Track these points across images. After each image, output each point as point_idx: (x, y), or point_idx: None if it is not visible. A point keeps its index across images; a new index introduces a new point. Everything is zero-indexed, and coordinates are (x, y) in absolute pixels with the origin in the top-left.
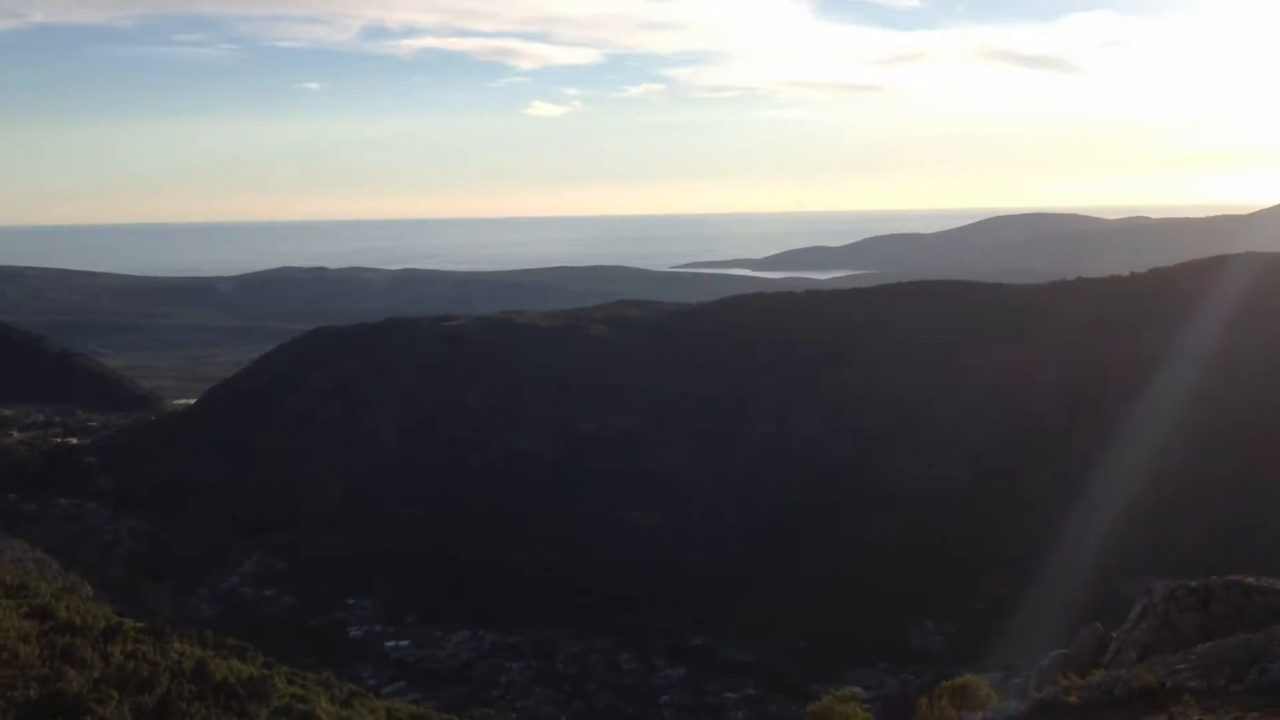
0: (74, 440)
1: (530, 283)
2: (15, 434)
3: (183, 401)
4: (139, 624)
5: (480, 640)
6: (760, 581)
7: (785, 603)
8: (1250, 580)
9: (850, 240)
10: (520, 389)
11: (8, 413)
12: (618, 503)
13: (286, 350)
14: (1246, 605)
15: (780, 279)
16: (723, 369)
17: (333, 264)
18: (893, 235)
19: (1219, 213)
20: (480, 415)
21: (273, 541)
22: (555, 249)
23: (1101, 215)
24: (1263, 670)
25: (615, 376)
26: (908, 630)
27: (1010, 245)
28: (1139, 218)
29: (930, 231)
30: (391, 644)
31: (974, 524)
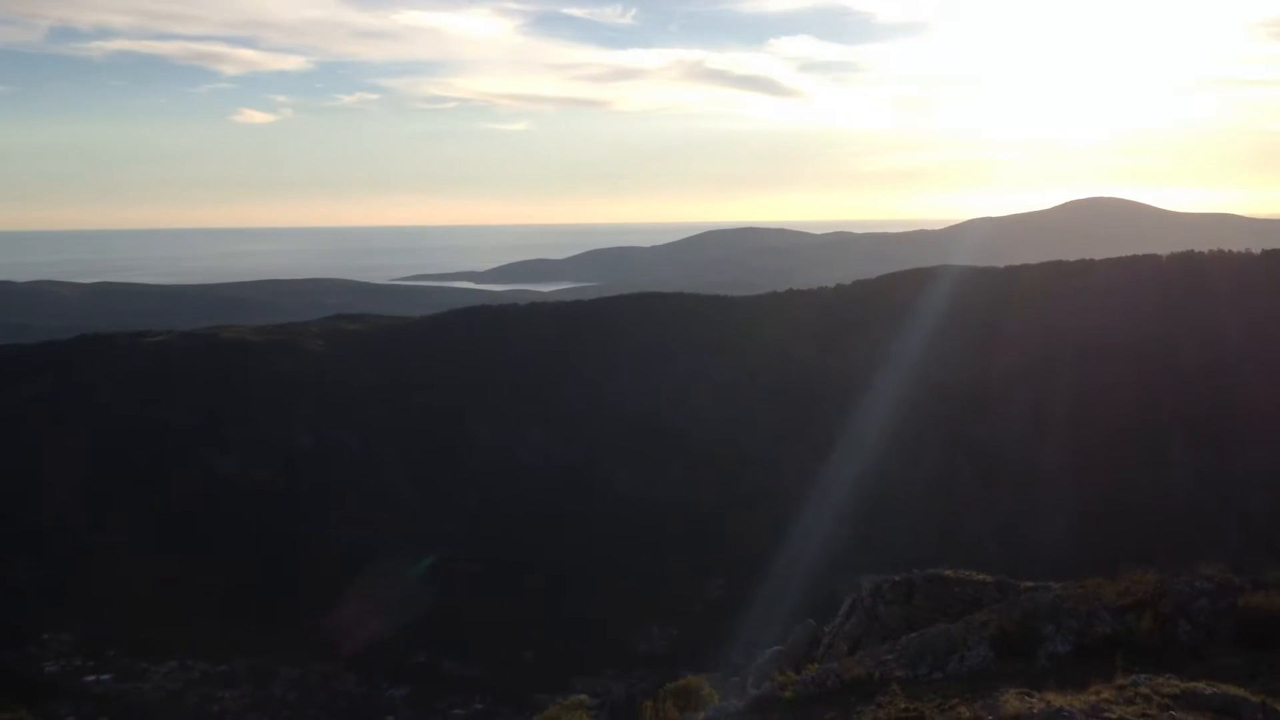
0: None
1: (242, 296)
2: None
3: None
4: None
5: (189, 669)
6: (485, 594)
7: (511, 614)
8: (949, 573)
9: (572, 253)
10: (229, 407)
11: None
12: (337, 519)
13: None
14: (946, 597)
15: (503, 291)
16: (446, 382)
17: (19, 277)
18: (614, 248)
19: (916, 227)
20: (184, 435)
21: None
22: (269, 261)
23: (809, 229)
24: (962, 658)
25: (333, 392)
26: (633, 636)
27: (725, 258)
28: (843, 232)
29: (650, 245)
30: (91, 678)
31: (696, 529)
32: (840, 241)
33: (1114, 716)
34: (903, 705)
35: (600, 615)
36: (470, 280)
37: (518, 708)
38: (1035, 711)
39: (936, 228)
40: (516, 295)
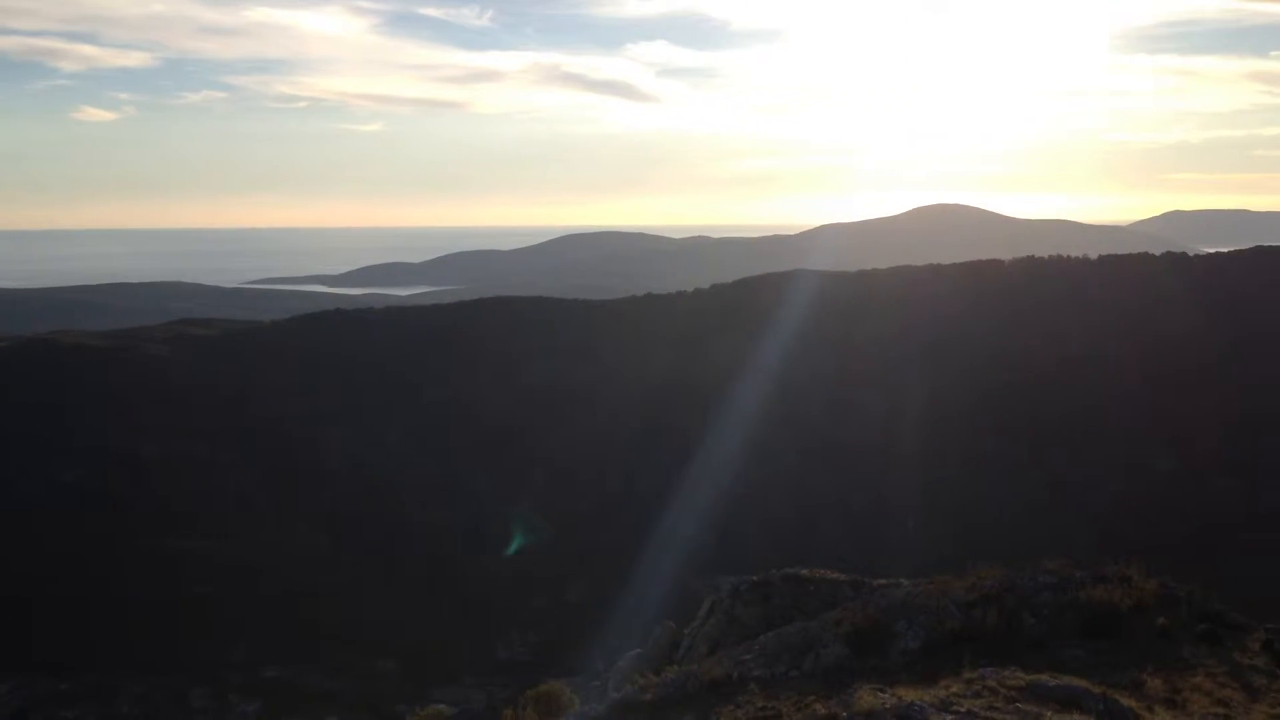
0: None
1: (84, 300)
2: None
3: None
4: None
5: (29, 688)
6: (340, 605)
7: (367, 625)
8: (806, 573)
9: (430, 256)
10: (68, 415)
11: None
12: (182, 530)
13: None
14: (803, 596)
15: (359, 295)
16: (297, 388)
17: None
18: (473, 252)
19: (772, 232)
20: (22, 443)
21: None
22: (112, 264)
23: (668, 234)
24: (818, 655)
25: (179, 399)
26: (493, 643)
27: (584, 262)
28: (701, 236)
29: (509, 248)
30: None
31: (556, 534)
32: (698, 246)
33: (962, 709)
34: (760, 704)
35: (460, 623)
36: (324, 284)
37: (376, 719)
38: (887, 707)
39: (792, 233)
40: (373, 299)
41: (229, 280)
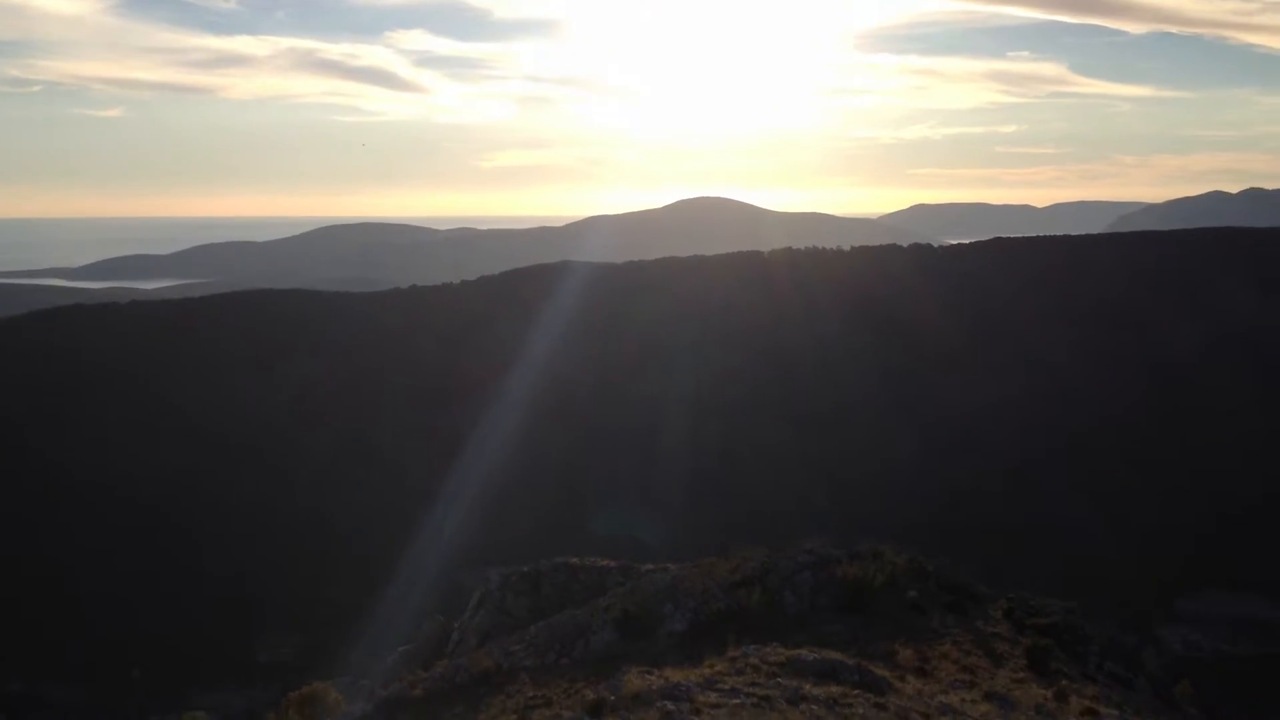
0: None
1: None
2: None
3: None
4: None
5: None
6: (89, 612)
7: (118, 632)
8: (575, 560)
9: (179, 248)
10: None
11: None
12: None
13: None
14: (572, 584)
15: (100, 289)
16: (32, 389)
17: None
18: (225, 243)
19: (539, 224)
20: None
21: None
22: None
23: (432, 226)
24: (587, 642)
25: None
26: (255, 646)
27: (345, 255)
28: (467, 228)
29: (264, 240)
30: None
31: (322, 532)
32: (464, 238)
33: (726, 687)
34: (531, 693)
35: (220, 626)
36: (62, 277)
37: None
38: (654, 688)
39: (558, 225)
40: (116, 293)
41: None
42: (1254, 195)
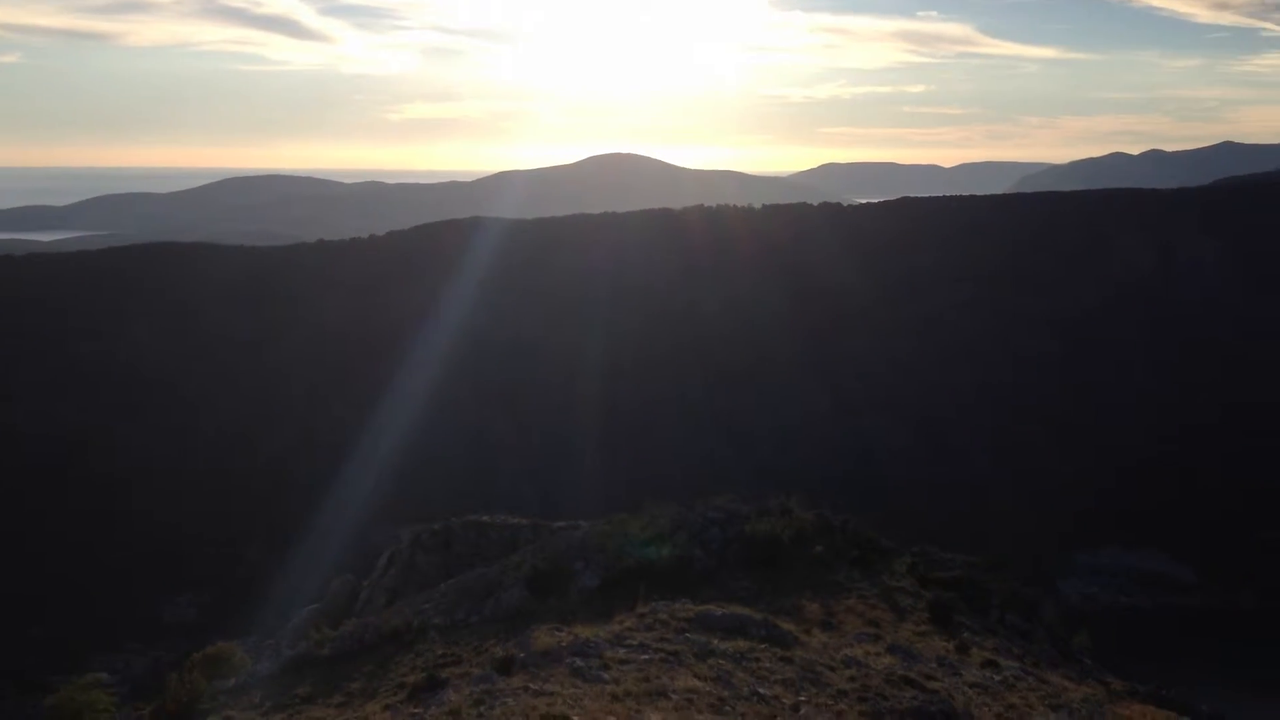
0: None
1: None
2: None
3: None
4: None
5: None
6: None
7: (14, 590)
8: (486, 518)
9: (77, 199)
10: None
11: None
12: None
13: None
14: (483, 542)
15: None
16: None
17: None
18: (126, 194)
19: (448, 179)
20: None
21: None
22: None
23: (339, 179)
24: (498, 600)
25: None
26: (159, 606)
27: (249, 206)
28: (375, 182)
29: (166, 191)
30: None
31: (227, 491)
32: (372, 191)
33: (635, 642)
34: (440, 651)
35: (122, 586)
36: None
37: (25, 690)
38: (564, 645)
39: (469, 180)
40: (10, 245)
41: None
42: (1155, 157)
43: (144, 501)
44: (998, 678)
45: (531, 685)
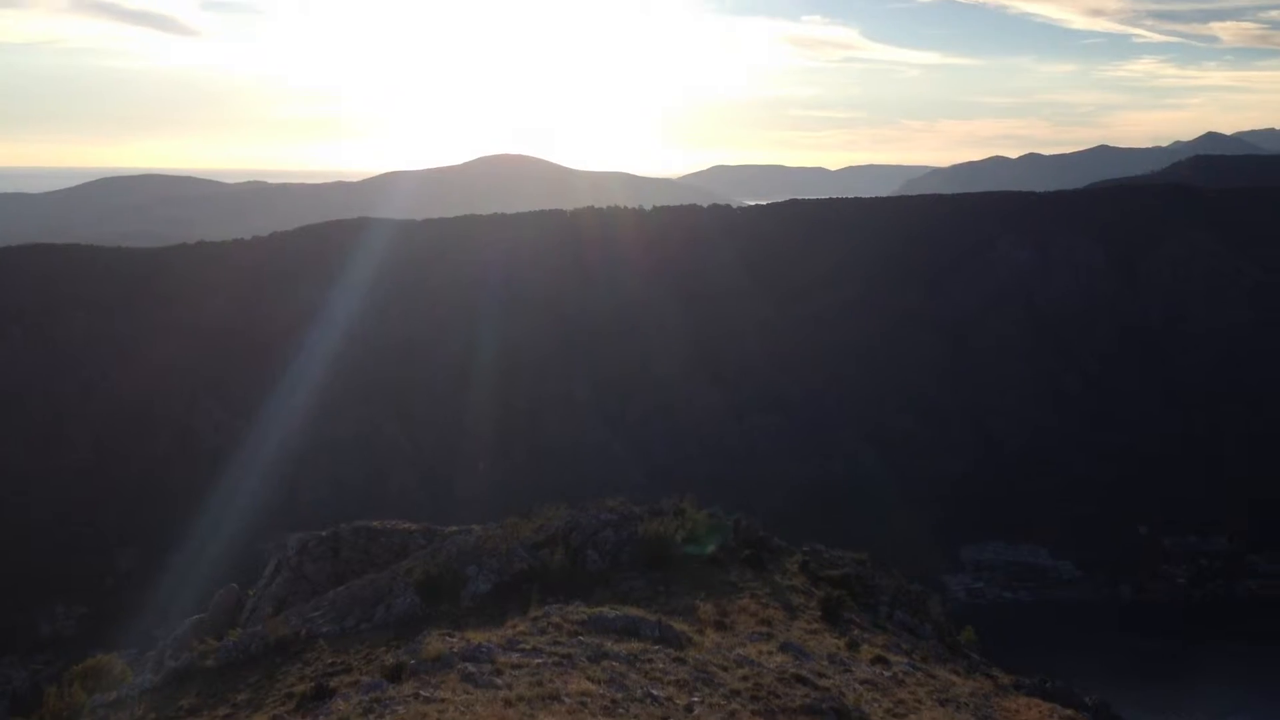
0: None
1: None
2: None
3: None
4: None
5: None
6: None
7: None
8: (376, 523)
9: None
10: None
11: None
12: None
13: None
14: (373, 547)
15: None
16: None
17: None
18: None
19: (334, 179)
20: None
21: None
22: None
23: (219, 179)
24: (389, 606)
25: None
26: (35, 618)
27: (125, 207)
28: (258, 182)
29: (38, 191)
30: None
31: (103, 498)
32: (255, 192)
33: (528, 646)
34: (330, 660)
35: None
36: None
37: None
38: (455, 650)
39: (355, 180)
40: None
41: None
42: (1032, 160)
43: (14, 512)
44: (888, 674)
45: (422, 692)
